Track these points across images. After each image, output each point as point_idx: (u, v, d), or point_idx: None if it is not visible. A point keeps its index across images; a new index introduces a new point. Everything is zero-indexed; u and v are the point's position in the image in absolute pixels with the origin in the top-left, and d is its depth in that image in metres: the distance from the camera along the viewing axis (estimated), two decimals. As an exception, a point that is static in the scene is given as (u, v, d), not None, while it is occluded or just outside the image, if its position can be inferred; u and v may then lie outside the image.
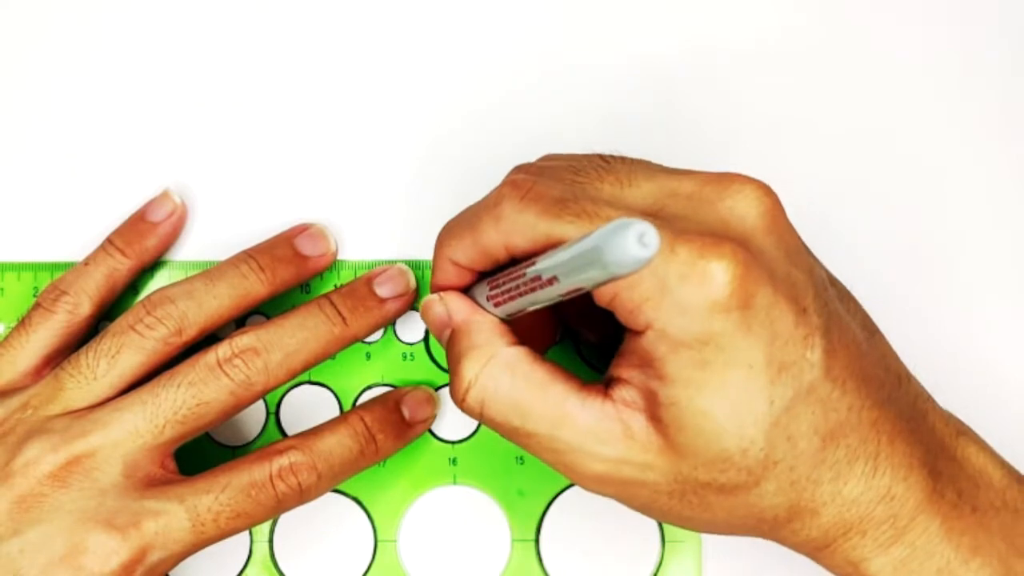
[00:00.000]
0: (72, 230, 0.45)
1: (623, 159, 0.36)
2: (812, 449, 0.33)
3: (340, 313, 0.41)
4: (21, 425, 0.39)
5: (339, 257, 0.45)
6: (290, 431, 0.44)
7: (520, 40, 0.46)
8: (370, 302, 0.42)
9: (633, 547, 0.43)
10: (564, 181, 0.35)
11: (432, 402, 0.43)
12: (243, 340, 0.40)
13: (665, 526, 0.43)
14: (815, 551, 0.35)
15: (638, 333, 0.33)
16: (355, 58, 0.46)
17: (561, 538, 0.44)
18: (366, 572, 0.44)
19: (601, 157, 0.36)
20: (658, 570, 0.43)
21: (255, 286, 0.41)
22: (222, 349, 0.39)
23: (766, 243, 0.33)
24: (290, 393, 0.44)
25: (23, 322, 0.42)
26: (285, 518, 0.44)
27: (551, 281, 0.32)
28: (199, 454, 0.42)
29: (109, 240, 0.43)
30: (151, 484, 0.38)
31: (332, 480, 0.40)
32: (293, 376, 0.40)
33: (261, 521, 0.39)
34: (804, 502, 0.34)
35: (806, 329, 0.33)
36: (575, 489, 0.44)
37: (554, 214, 0.33)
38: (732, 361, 0.32)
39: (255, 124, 0.46)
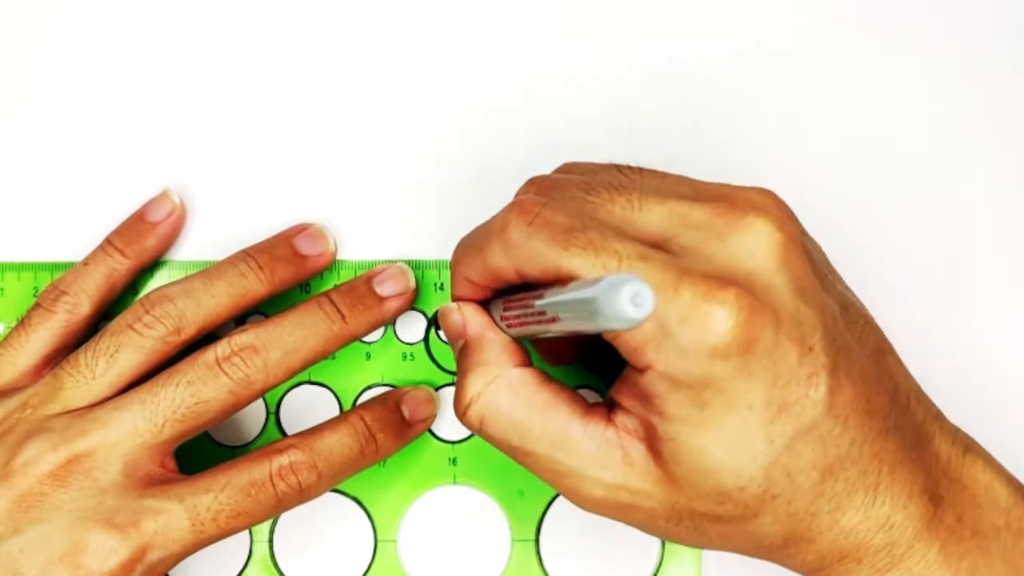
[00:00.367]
0: (72, 230, 0.45)
1: (640, 173, 0.35)
2: (810, 483, 0.33)
3: (339, 311, 0.41)
4: (21, 424, 0.39)
5: (339, 257, 0.45)
6: (290, 431, 0.44)
7: (523, 41, 0.46)
8: (370, 300, 0.42)
9: (633, 547, 0.43)
10: (575, 200, 0.34)
11: (432, 402, 0.43)
12: (242, 338, 0.40)
13: (665, 526, 0.43)
14: (811, 573, 0.35)
15: (639, 369, 0.33)
16: (356, 58, 0.46)
17: (561, 538, 0.44)
18: (366, 572, 0.44)
19: (618, 169, 0.36)
20: (658, 570, 0.43)
21: (254, 285, 0.41)
22: (221, 347, 0.39)
23: (774, 281, 0.33)
24: (290, 393, 0.44)
25: (23, 322, 0.42)
26: (285, 518, 0.44)
27: (554, 319, 0.32)
28: (199, 454, 0.42)
29: (108, 240, 0.43)
30: (151, 483, 0.38)
31: (332, 479, 0.40)
32: (292, 374, 0.40)
33: (261, 520, 0.39)
34: (800, 531, 0.34)
35: (811, 368, 0.32)
36: (575, 489, 0.44)
37: (561, 243, 0.33)
38: (732, 403, 0.32)
39: (255, 124, 0.46)
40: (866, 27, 0.46)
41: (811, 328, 0.33)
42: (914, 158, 0.45)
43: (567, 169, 0.37)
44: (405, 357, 0.44)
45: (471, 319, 0.37)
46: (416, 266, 0.44)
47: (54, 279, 0.43)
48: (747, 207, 0.33)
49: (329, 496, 0.43)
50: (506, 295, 0.36)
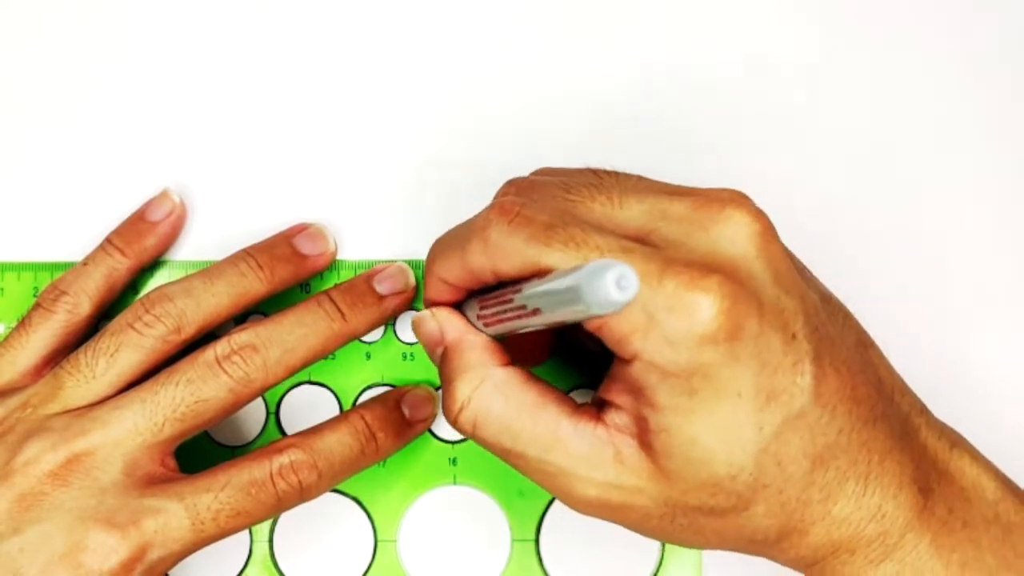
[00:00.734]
0: (72, 230, 0.45)
1: (616, 175, 0.36)
2: (801, 472, 0.33)
3: (339, 309, 0.41)
4: (21, 424, 0.39)
5: (339, 257, 0.45)
6: (290, 430, 0.44)
7: (524, 43, 0.46)
8: (369, 299, 0.42)
9: (633, 547, 0.43)
10: (555, 199, 0.35)
11: (432, 401, 0.43)
12: (241, 337, 0.40)
13: (665, 526, 0.43)
14: (805, 568, 0.35)
15: (626, 361, 0.33)
16: (355, 59, 0.46)
17: (561, 538, 0.44)
18: (366, 572, 0.44)
19: (594, 172, 0.36)
20: (658, 570, 0.43)
21: (254, 284, 0.41)
22: (220, 346, 0.39)
23: (755, 268, 0.33)
24: (290, 392, 0.44)
25: (23, 322, 0.42)
26: (285, 518, 0.44)
27: (535, 312, 0.32)
28: (199, 453, 0.42)
29: (108, 240, 0.43)
30: (151, 482, 0.38)
31: (332, 479, 0.40)
32: (292, 373, 0.40)
33: (261, 520, 0.39)
34: (793, 523, 0.34)
35: (795, 356, 0.33)
36: (575, 489, 0.44)
37: (542, 241, 0.33)
38: (721, 390, 0.32)
39: (255, 124, 0.46)
40: (866, 27, 0.46)
41: (793, 316, 0.33)
42: (913, 158, 0.46)
43: (544, 172, 0.37)
44: (405, 357, 0.44)
45: (448, 324, 0.37)
46: (416, 266, 0.44)
47: (54, 279, 0.43)
48: (725, 200, 0.34)
49: (329, 496, 0.43)
50: (479, 295, 0.36)
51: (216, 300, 0.41)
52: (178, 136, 0.46)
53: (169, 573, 0.40)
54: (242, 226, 0.45)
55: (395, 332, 0.44)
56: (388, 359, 0.44)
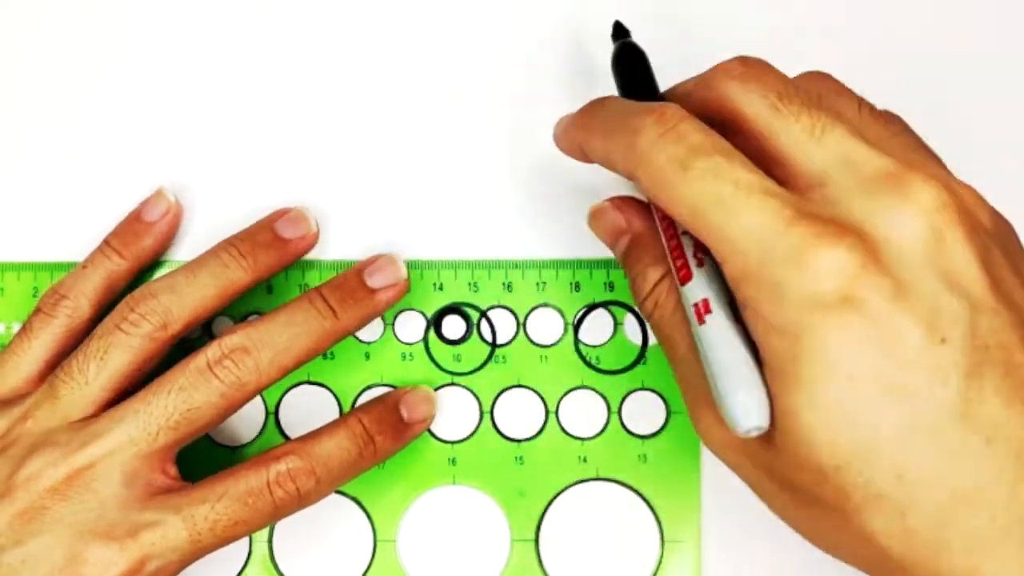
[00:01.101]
0: (72, 230, 0.45)
1: (872, 113, 0.34)
2: (934, 503, 0.29)
3: (330, 306, 0.41)
4: (23, 439, 0.39)
5: (336, 257, 0.45)
6: (289, 431, 0.44)
7: (524, 42, 0.46)
8: (360, 293, 0.42)
9: (633, 547, 0.44)
10: (763, 99, 0.32)
11: (431, 401, 0.43)
12: (232, 340, 0.39)
13: (665, 525, 0.43)
14: None
15: (744, 306, 0.31)
16: (352, 57, 0.46)
17: (561, 538, 0.44)
18: (366, 572, 0.44)
19: (858, 101, 0.34)
20: (658, 570, 0.44)
21: (237, 274, 0.41)
22: (211, 351, 0.39)
23: (914, 253, 0.30)
24: (289, 393, 0.44)
25: (24, 328, 0.42)
26: (285, 518, 0.44)
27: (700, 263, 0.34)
28: (199, 455, 0.42)
29: (106, 242, 0.43)
30: (151, 492, 0.39)
31: (331, 484, 0.40)
32: (286, 373, 0.40)
33: (260, 528, 0.39)
34: (923, 562, 0.29)
35: (937, 361, 0.29)
36: (575, 489, 0.44)
37: (680, 163, 0.31)
38: (829, 365, 0.29)
39: (254, 125, 0.46)
40: (867, 27, 0.46)
41: (951, 320, 0.29)
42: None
43: (811, 73, 0.36)
44: (404, 357, 0.44)
45: (635, 216, 0.38)
46: (415, 266, 0.44)
47: (54, 281, 0.43)
48: (921, 176, 0.30)
49: (329, 497, 0.43)
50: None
51: (201, 293, 0.40)
52: (178, 136, 0.46)
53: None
54: (242, 226, 0.45)
55: (394, 332, 0.44)
56: (387, 359, 0.44)
